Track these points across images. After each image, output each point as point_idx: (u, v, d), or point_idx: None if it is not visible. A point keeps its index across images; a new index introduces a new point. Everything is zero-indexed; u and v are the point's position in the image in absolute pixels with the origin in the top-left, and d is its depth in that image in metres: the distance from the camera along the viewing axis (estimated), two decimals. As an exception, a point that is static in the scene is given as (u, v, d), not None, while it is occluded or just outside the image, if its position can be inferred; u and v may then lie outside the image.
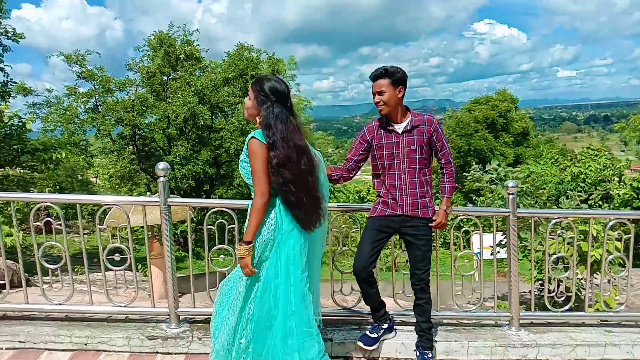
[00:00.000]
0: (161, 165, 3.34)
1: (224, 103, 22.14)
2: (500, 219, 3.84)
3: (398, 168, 2.99)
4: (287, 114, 2.52)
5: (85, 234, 3.70)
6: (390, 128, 2.98)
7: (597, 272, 4.38)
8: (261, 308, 2.54)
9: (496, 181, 9.25)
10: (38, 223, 3.43)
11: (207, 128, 22.71)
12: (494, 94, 41.98)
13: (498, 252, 3.86)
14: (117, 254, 3.50)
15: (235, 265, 2.80)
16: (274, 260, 2.54)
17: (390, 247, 3.72)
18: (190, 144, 22.36)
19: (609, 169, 20.23)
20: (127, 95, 22.53)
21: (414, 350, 3.21)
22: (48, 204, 3.50)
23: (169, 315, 3.47)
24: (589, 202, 17.97)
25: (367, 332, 3.26)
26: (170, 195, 3.45)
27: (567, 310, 3.73)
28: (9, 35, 14.70)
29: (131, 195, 22.61)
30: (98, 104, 22.17)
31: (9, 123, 11.85)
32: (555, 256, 3.80)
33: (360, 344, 3.21)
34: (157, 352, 3.28)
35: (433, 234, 3.22)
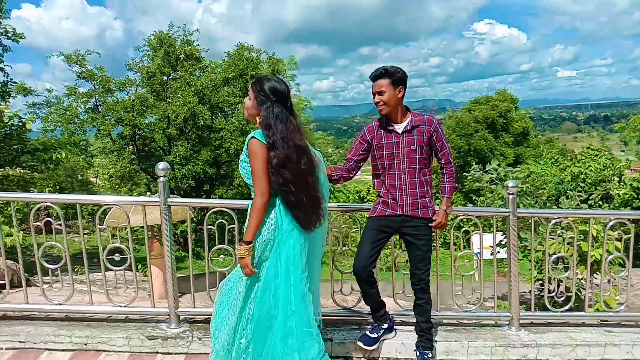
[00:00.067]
0: (161, 165, 3.34)
1: (224, 103, 22.14)
2: (500, 219, 3.84)
3: (398, 168, 2.99)
4: (287, 114, 2.52)
5: (85, 234, 3.70)
6: (390, 128, 2.98)
7: (597, 272, 4.38)
8: (261, 308, 2.54)
9: (496, 181, 9.25)
10: (38, 223, 3.43)
11: (207, 128, 22.71)
12: (494, 94, 41.99)
13: (498, 252, 3.86)
14: (117, 254, 3.50)
15: (235, 265, 2.80)
16: (274, 260, 2.54)
17: (390, 247, 3.72)
18: (190, 144, 22.36)
19: (609, 169, 20.24)
20: (127, 95, 22.54)
21: (414, 350, 3.21)
22: (48, 204, 3.50)
23: (169, 315, 3.47)
24: (589, 202, 17.98)
25: (367, 332, 3.26)
26: (170, 195, 3.45)
27: (567, 310, 3.73)
28: (9, 35, 14.70)
29: (131, 195, 22.61)
30: (98, 104, 22.17)
31: (9, 123, 11.85)
32: (555, 256, 3.80)
33: (360, 344, 3.21)
34: (157, 352, 3.28)
35: (433, 234, 3.22)
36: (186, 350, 3.27)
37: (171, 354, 3.27)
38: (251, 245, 2.49)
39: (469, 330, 3.54)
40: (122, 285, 3.70)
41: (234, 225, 3.44)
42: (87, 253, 3.54)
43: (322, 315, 3.08)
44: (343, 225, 3.84)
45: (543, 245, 4.10)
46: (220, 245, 3.46)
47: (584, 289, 4.53)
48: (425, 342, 3.17)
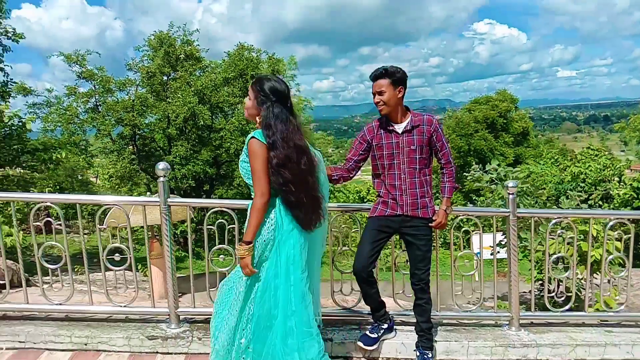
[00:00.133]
0: (161, 165, 3.34)
1: (224, 103, 22.14)
2: (500, 219, 3.84)
3: (398, 168, 2.99)
4: (287, 114, 2.52)
5: (85, 233, 3.70)
6: (390, 128, 2.98)
7: (597, 272, 4.38)
8: (261, 308, 2.54)
9: (496, 181, 9.25)
10: (38, 223, 3.43)
11: (207, 128, 22.72)
12: (494, 94, 41.98)
13: (498, 252, 3.86)
14: (117, 254, 3.50)
15: (235, 265, 2.80)
16: (274, 260, 2.54)
17: (390, 246, 3.72)
18: (190, 144, 22.36)
19: (609, 169, 20.24)
20: (127, 95, 22.54)
21: (414, 350, 3.21)
22: (48, 204, 3.50)
23: (169, 315, 3.48)
24: (589, 202, 17.98)
25: (367, 332, 3.26)
26: (170, 195, 3.45)
27: (567, 310, 3.74)
28: (9, 35, 14.70)
29: (131, 195, 22.61)
30: (98, 104, 22.17)
31: (9, 123, 11.85)
32: (555, 256, 3.80)
33: (360, 344, 3.21)
34: (157, 352, 3.28)
35: (433, 234, 3.22)
36: (186, 350, 3.27)
37: (171, 354, 3.27)
38: (251, 245, 2.48)
39: (469, 330, 3.54)
40: (122, 285, 3.70)
41: (234, 225, 3.44)
42: (87, 253, 3.54)
43: (322, 315, 3.08)
44: (343, 226, 3.84)
45: (543, 245, 4.10)
46: (221, 246, 3.46)
47: (584, 289, 4.52)
48: (425, 342, 3.17)
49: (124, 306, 3.54)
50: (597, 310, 3.86)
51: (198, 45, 22.96)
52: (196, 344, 3.27)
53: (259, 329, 2.55)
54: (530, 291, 3.93)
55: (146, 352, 3.27)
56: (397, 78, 2.89)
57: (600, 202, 17.95)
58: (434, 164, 3.14)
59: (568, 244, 3.88)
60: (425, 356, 3.14)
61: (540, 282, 5.82)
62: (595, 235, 4.53)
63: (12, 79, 15.38)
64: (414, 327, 3.25)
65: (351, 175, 3.19)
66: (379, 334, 3.25)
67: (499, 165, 9.61)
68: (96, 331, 3.34)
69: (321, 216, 2.60)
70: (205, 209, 3.69)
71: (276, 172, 2.43)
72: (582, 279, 5.04)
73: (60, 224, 3.41)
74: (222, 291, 2.69)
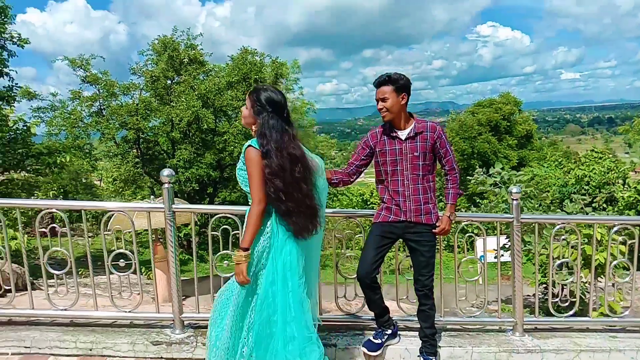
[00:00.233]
0: (166, 172, 3.36)
1: (227, 107, 22.18)
2: (504, 223, 3.84)
3: (401, 174, 2.99)
4: (283, 124, 2.55)
5: (89, 237, 3.72)
6: (394, 134, 2.99)
7: (602, 276, 4.37)
8: (261, 316, 2.56)
9: (500, 184, 9.25)
10: (43, 229, 3.46)
11: (210, 131, 22.75)
12: (497, 97, 42.00)
13: (502, 255, 3.86)
14: (121, 260, 3.52)
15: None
16: (271, 267, 2.56)
17: (394, 250, 3.72)
18: (194, 147, 22.41)
19: (613, 172, 20.18)
20: (131, 99, 22.60)
21: (418, 356, 3.21)
22: (54, 210, 3.53)
23: (173, 320, 3.49)
24: (593, 205, 17.94)
25: (371, 338, 3.27)
26: (175, 199, 3.47)
27: (572, 315, 3.73)
28: (14, 40, 14.77)
29: (135, 198, 22.66)
30: (102, 107, 22.25)
31: (14, 127, 11.90)
32: (559, 261, 3.79)
33: (364, 349, 3.22)
34: (161, 358, 3.29)
35: (437, 239, 3.22)
36: (190, 356, 3.28)
37: (175, 359, 3.28)
38: (248, 252, 2.50)
39: (473, 336, 3.54)
40: (126, 289, 3.71)
41: (238, 231, 3.45)
42: (91, 256, 3.56)
43: (326, 321, 3.08)
44: (347, 231, 3.85)
45: (547, 249, 4.09)
46: (225, 251, 3.48)
47: (588, 292, 4.52)
48: (429, 347, 3.17)
49: (129, 312, 3.56)
50: (602, 314, 3.85)
51: (202, 49, 23.05)
52: (200, 349, 3.28)
53: (261, 337, 2.56)
54: (534, 295, 3.92)
55: (151, 358, 3.28)
56: (401, 85, 2.90)
57: (605, 205, 17.90)
58: (437, 168, 3.15)
59: (572, 247, 3.87)
60: (429, 362, 3.14)
61: (544, 285, 5.81)
62: (599, 239, 4.52)
63: (17, 84, 15.45)
64: (417, 333, 3.26)
65: (352, 180, 3.20)
66: (383, 340, 3.25)
67: (502, 168, 9.61)
68: (101, 336, 3.35)
69: (317, 224, 2.61)
70: (209, 215, 3.71)
71: (269, 180, 2.46)
72: (586, 282, 5.03)
73: (65, 229, 3.43)
74: (220, 300, 2.70)
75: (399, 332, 3.38)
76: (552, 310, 3.70)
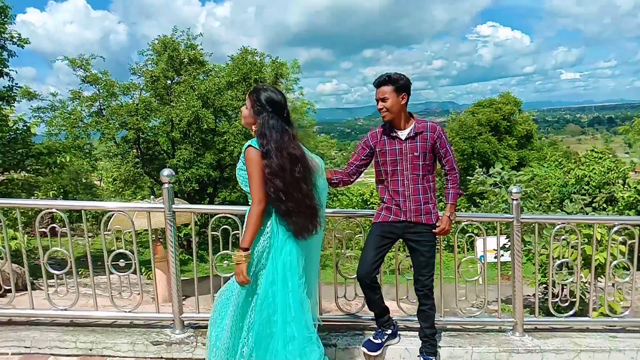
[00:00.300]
0: (166, 172, 3.36)
1: (227, 107, 22.18)
2: (504, 223, 3.84)
3: (401, 174, 2.99)
4: (283, 124, 2.55)
5: (89, 237, 3.72)
6: (394, 134, 2.99)
7: (602, 276, 4.38)
8: (261, 316, 2.56)
9: (500, 184, 9.25)
10: (43, 229, 3.46)
11: (210, 131, 22.76)
12: (497, 97, 42.00)
13: (502, 255, 3.86)
14: (121, 260, 3.52)
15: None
16: (271, 267, 2.56)
17: (394, 250, 3.72)
18: (194, 147, 22.41)
19: (613, 172, 20.19)
20: (131, 99, 22.60)
21: (418, 356, 3.21)
22: (54, 210, 3.53)
23: (173, 320, 3.49)
24: (593, 205, 17.95)
25: (371, 338, 3.27)
26: (175, 199, 3.47)
27: (572, 315, 3.73)
28: (14, 40, 14.77)
29: (135, 198, 22.65)
30: (102, 107, 22.24)
31: (14, 127, 11.90)
32: (559, 261, 3.79)
33: (364, 349, 3.22)
34: (161, 358, 3.29)
35: (437, 239, 3.22)
36: (190, 356, 3.28)
37: (175, 359, 3.28)
38: (248, 252, 2.50)
39: (473, 336, 3.54)
40: (126, 289, 3.72)
41: (238, 231, 3.45)
42: (91, 256, 3.56)
43: (326, 321, 3.07)
44: (347, 231, 3.85)
45: (547, 249, 4.09)
46: (225, 251, 3.48)
47: (588, 292, 4.52)
48: (429, 347, 3.17)
49: (129, 312, 3.56)
50: (602, 314, 3.85)
51: (202, 49, 23.06)
52: (200, 349, 3.28)
53: (261, 337, 2.56)
54: (534, 295, 3.92)
55: (151, 358, 3.28)
56: (401, 85, 2.90)
57: (605, 205, 17.90)
58: (437, 168, 3.15)
59: (572, 247, 3.87)
60: (429, 362, 3.14)
61: (544, 285, 5.81)
62: (599, 239, 4.52)
63: (17, 84, 15.46)
64: (417, 333, 3.26)
65: (352, 180, 3.20)
66: (383, 340, 3.25)
67: (502, 168, 9.61)
68: (101, 336, 3.35)
69: (317, 224, 2.61)
70: (209, 215, 3.71)
71: (268, 180, 2.46)
72: (586, 282, 5.03)
73: (65, 229, 3.44)
74: (220, 300, 2.70)
75: (399, 332, 3.38)
76: (552, 310, 3.70)
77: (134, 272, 3.56)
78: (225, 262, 3.45)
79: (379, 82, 2.95)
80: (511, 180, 9.09)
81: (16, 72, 15.37)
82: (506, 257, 4.64)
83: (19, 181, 14.02)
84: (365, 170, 3.25)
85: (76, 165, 21.27)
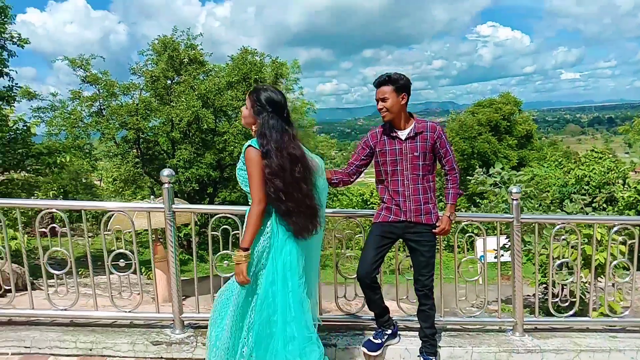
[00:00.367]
0: (166, 172, 3.36)
1: (227, 107, 22.19)
2: (504, 223, 3.84)
3: (401, 174, 2.99)
4: (283, 124, 2.55)
5: (89, 237, 3.72)
6: (394, 134, 2.99)
7: (602, 276, 4.38)
8: (261, 316, 2.56)
9: (500, 184, 9.25)
10: (43, 229, 3.46)
11: (210, 131, 22.76)
12: (497, 97, 42.00)
13: (502, 255, 3.86)
14: (121, 260, 3.52)
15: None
16: (271, 267, 2.56)
17: (394, 250, 3.73)
18: (194, 147, 22.41)
19: (613, 172, 20.19)
20: (131, 99, 22.60)
21: (418, 356, 3.21)
22: (54, 210, 3.53)
23: (173, 320, 3.49)
24: (593, 204, 17.95)
25: (371, 338, 3.27)
26: (175, 199, 3.47)
27: (572, 315, 3.73)
28: (14, 40, 14.77)
29: (135, 198, 22.65)
30: (102, 107, 22.25)
31: (14, 127, 11.90)
32: (559, 261, 3.79)
33: (364, 349, 3.22)
34: (161, 358, 3.29)
35: (437, 239, 3.22)
36: (190, 356, 3.28)
37: (175, 359, 3.28)
38: (248, 252, 2.50)
39: (473, 336, 3.54)
40: (126, 289, 3.72)
41: (238, 231, 3.45)
42: (91, 256, 3.56)
43: (326, 321, 3.06)
44: (347, 231, 3.85)
45: (547, 249, 4.09)
46: (225, 251, 3.48)
47: (588, 292, 4.51)
48: (429, 347, 3.17)
49: (129, 312, 3.56)
50: (602, 314, 3.85)
51: (202, 49, 23.06)
52: (200, 349, 3.28)
53: (261, 337, 2.56)
54: (534, 295, 3.93)
55: (151, 358, 3.28)
56: (401, 85, 2.90)
57: (605, 205, 17.90)
58: (437, 168, 3.15)
59: (572, 247, 3.88)
60: (429, 362, 3.14)
61: (544, 285, 5.80)
62: (599, 239, 4.52)
63: (17, 84, 15.46)
64: (417, 333, 3.26)
65: (352, 180, 3.20)
66: (383, 340, 3.25)
67: (502, 168, 9.61)
68: (101, 336, 3.35)
69: (317, 224, 2.61)
70: (209, 215, 3.71)
71: (268, 180, 2.46)
72: (586, 282, 5.03)
73: (65, 229, 3.44)
74: (220, 300, 2.70)
75: (399, 332, 3.38)
76: (552, 310, 3.70)
77: (134, 272, 3.56)
78: (225, 262, 3.45)
79: (379, 82, 2.95)
80: (511, 180, 9.09)
81: (16, 72, 15.38)
82: (506, 257, 4.65)
83: (19, 181, 14.02)
84: (365, 170, 3.25)
85: (76, 165, 21.28)
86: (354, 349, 3.29)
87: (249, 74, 22.44)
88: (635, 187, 15.26)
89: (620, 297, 4.05)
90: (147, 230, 3.62)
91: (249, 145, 2.51)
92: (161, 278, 5.98)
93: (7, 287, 3.62)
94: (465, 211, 14.56)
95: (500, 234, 3.99)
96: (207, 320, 2.72)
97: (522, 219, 3.58)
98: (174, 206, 3.40)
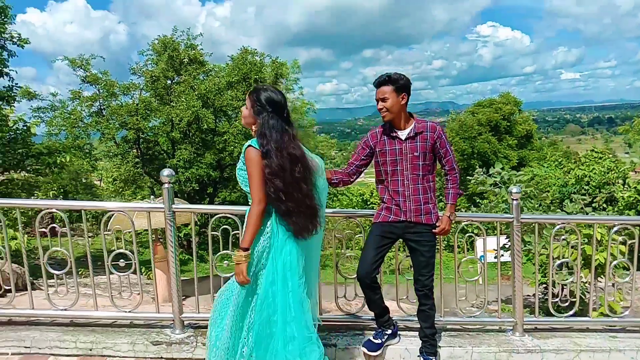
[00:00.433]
0: (166, 172, 3.36)
1: (227, 107, 22.19)
2: (504, 223, 3.84)
3: (401, 174, 2.99)
4: (283, 124, 2.55)
5: (89, 237, 3.72)
6: (394, 134, 2.99)
7: (602, 276, 4.38)
8: (261, 316, 2.56)
9: (500, 184, 9.25)
10: (43, 229, 3.46)
11: (210, 131, 22.76)
12: (497, 97, 42.00)
13: (502, 255, 3.86)
14: (121, 260, 3.52)
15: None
16: (271, 267, 2.56)
17: (394, 250, 3.73)
18: (194, 147, 22.41)
19: (613, 172, 20.19)
20: (131, 99, 22.60)
21: (418, 356, 3.21)
22: (54, 210, 3.53)
23: (173, 320, 3.49)
24: (593, 204, 17.95)
25: (371, 338, 3.27)
26: (175, 199, 3.47)
27: (572, 315, 3.73)
28: (14, 40, 14.77)
29: (135, 198, 22.65)
30: (102, 107, 22.25)
31: (14, 127, 11.90)
32: (559, 261, 3.79)
33: (364, 349, 3.22)
34: (161, 358, 3.29)
35: (437, 239, 3.22)
36: (190, 356, 3.28)
37: (175, 359, 3.28)
38: (248, 252, 2.50)
39: (473, 336, 3.54)
40: (126, 289, 3.72)
41: (238, 231, 3.45)
42: (91, 256, 3.56)
43: (326, 321, 3.06)
44: (347, 231, 3.85)
45: (547, 249, 4.09)
46: (225, 251, 3.48)
47: (588, 292, 4.51)
48: (429, 347, 3.17)
49: (129, 312, 3.56)
50: (602, 314, 3.85)
51: (202, 49, 23.06)
52: (200, 349, 3.28)
53: (261, 337, 2.56)
54: (534, 295, 3.93)
55: (150, 358, 3.28)
56: (401, 85, 2.90)
57: (605, 205, 17.90)
58: (437, 168, 3.15)
59: (572, 247, 3.88)
60: (429, 362, 3.14)
61: (544, 285, 5.80)
62: (599, 239, 4.52)
63: (17, 84, 15.46)
64: (417, 333, 3.26)
65: (352, 180, 3.20)
66: (383, 340, 3.25)
67: (502, 168, 9.61)
68: (101, 336, 3.35)
69: (317, 224, 2.62)
70: (209, 215, 3.71)
71: (269, 180, 2.46)
72: (586, 282, 5.03)
73: (65, 229, 3.44)
74: (220, 300, 2.70)
75: (399, 332, 3.38)
76: (552, 310, 3.70)
77: (134, 272, 3.56)
78: (225, 262, 3.45)
79: (379, 82, 2.95)
80: (511, 180, 9.09)
81: (16, 72, 15.38)
82: (506, 257, 4.65)
83: (19, 181, 14.02)
84: (365, 170, 3.25)
85: (76, 165, 21.28)
86: (354, 349, 3.29)
87: (249, 74, 22.44)
88: (635, 187, 15.26)
89: (620, 297, 4.05)
90: (147, 230, 3.61)
91: (249, 145, 2.51)
92: (161, 278, 5.98)
93: (7, 287, 3.62)
94: (465, 211, 14.55)
95: (500, 234, 3.99)
96: (207, 320, 2.72)
97: (522, 219, 3.58)
98: (174, 206, 3.40)
